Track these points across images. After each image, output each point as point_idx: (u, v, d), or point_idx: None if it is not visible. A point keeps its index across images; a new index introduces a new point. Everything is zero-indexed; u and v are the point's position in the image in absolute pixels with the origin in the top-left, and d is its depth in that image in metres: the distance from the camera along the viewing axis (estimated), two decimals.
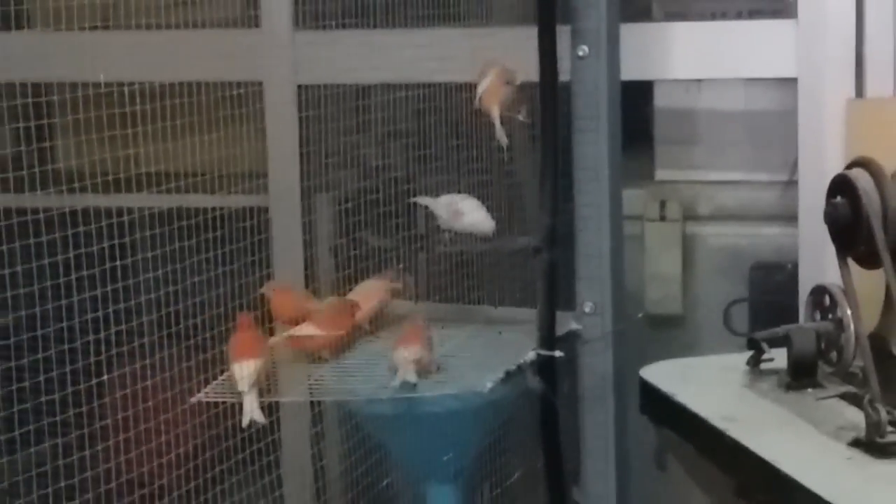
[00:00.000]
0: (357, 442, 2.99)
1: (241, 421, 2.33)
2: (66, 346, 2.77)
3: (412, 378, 2.26)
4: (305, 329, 2.50)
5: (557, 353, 2.38)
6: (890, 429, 1.83)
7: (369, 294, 2.57)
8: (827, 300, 2.06)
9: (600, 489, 2.50)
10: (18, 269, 2.76)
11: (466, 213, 2.52)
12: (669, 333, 2.94)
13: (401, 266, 2.66)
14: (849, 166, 2.02)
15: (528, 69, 2.39)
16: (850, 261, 2.01)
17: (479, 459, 2.60)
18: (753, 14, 2.84)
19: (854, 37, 2.60)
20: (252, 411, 2.31)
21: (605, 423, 2.49)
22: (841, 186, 1.99)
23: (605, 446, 2.49)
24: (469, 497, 2.58)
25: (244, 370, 2.33)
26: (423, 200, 2.62)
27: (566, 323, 2.45)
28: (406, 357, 2.29)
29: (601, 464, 2.49)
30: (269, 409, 2.89)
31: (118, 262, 2.84)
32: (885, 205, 1.95)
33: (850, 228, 1.98)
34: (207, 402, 2.46)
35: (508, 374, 2.33)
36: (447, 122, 2.98)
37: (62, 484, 2.75)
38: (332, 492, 3.07)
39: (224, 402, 2.51)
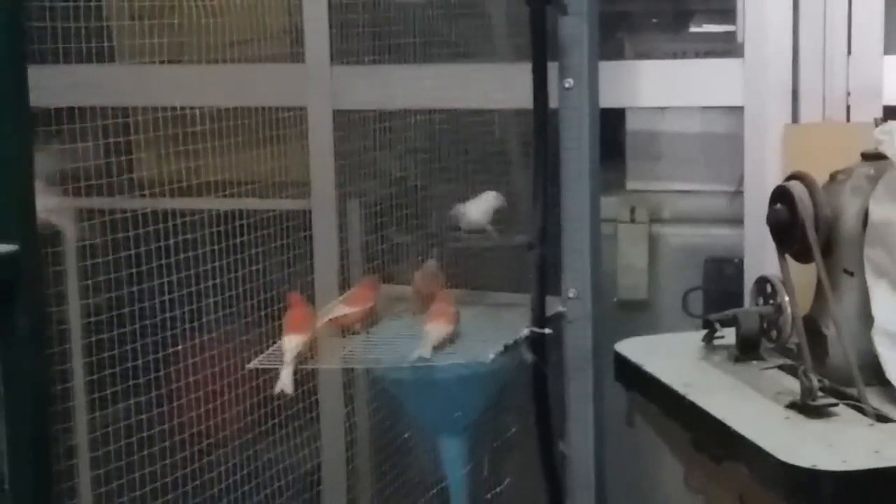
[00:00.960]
0: (382, 402, 2.98)
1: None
2: (144, 323, 2.78)
3: (427, 354, 2.27)
4: (339, 310, 2.50)
5: (547, 331, 2.37)
6: (819, 394, 1.83)
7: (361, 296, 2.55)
8: (768, 288, 2.06)
9: (581, 442, 2.49)
10: (106, 259, 2.77)
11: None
12: (637, 315, 2.93)
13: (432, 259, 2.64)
14: (787, 179, 2.01)
15: (525, 98, 2.39)
16: (787, 256, 2.01)
17: (483, 417, 2.59)
18: (707, 54, 2.83)
19: (790, 73, 2.59)
20: (284, 382, 2.29)
21: (586, 387, 2.49)
22: (781, 195, 1.99)
23: (586, 407, 2.49)
24: (474, 448, 2.58)
25: (291, 343, 2.33)
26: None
27: (554, 306, 2.44)
28: (431, 334, 2.30)
29: (582, 421, 2.49)
30: (311, 375, 2.91)
31: (188, 254, 2.84)
32: (817, 211, 1.95)
33: (787, 230, 1.97)
34: (259, 369, 2.44)
35: (507, 348, 2.32)
36: (457, 141, 2.98)
37: (143, 434, 2.77)
38: (362, 443, 3.05)
39: (272, 369, 2.51)
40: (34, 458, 1.91)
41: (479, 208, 2.58)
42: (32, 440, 1.90)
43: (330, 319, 2.45)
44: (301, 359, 2.34)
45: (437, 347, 2.30)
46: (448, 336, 2.34)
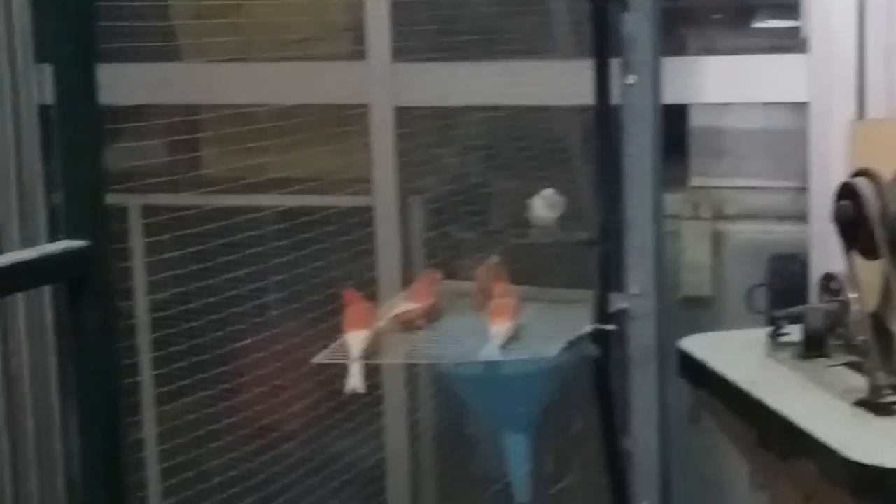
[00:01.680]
0: (445, 398, 2.99)
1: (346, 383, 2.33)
2: (211, 317, 2.81)
3: (496, 355, 2.27)
4: (403, 305, 2.51)
5: (610, 327, 2.38)
6: (887, 391, 1.82)
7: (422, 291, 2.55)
8: (835, 285, 2.04)
9: (645, 438, 2.48)
10: (172, 254, 2.81)
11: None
12: (701, 312, 2.91)
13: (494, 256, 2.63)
14: (853, 175, 1.99)
15: (587, 94, 2.38)
16: (854, 253, 1.98)
17: (547, 413, 2.58)
18: (771, 49, 2.80)
19: (856, 68, 2.57)
20: (355, 379, 2.30)
21: (649, 384, 2.47)
22: (847, 192, 1.97)
23: (649, 403, 2.47)
24: (538, 444, 2.58)
25: (355, 340, 2.34)
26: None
27: (617, 302, 2.43)
28: (497, 332, 2.30)
29: (646, 418, 2.47)
30: (375, 371, 2.92)
31: (253, 250, 2.87)
32: (884, 207, 1.93)
33: (854, 226, 1.95)
34: (324, 364, 2.46)
35: (570, 344, 2.33)
36: (518, 138, 2.98)
37: (210, 428, 2.80)
38: (425, 439, 3.07)
39: (338, 364, 2.52)
40: (105, 449, 1.94)
41: (548, 204, 2.59)
42: (103, 431, 1.93)
43: (395, 315, 2.46)
44: (367, 354, 2.34)
45: (506, 344, 2.31)
46: (512, 332, 2.34)
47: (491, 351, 2.28)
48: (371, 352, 2.36)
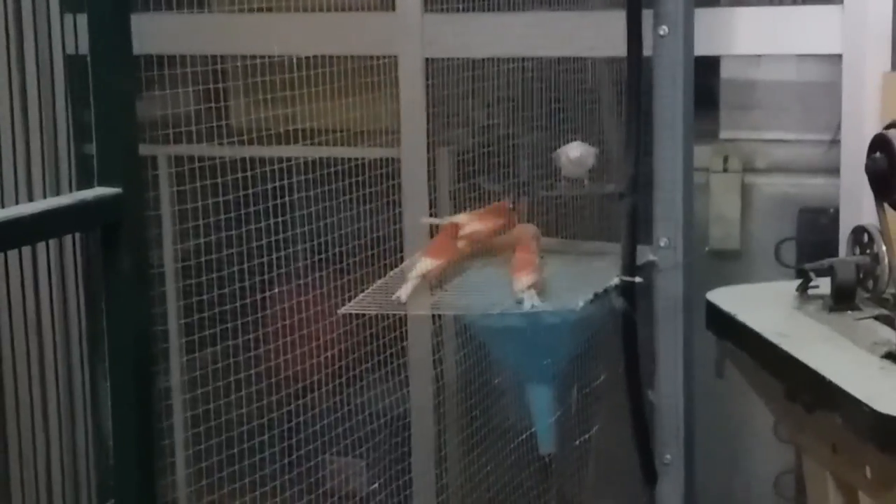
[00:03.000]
0: (471, 349, 2.99)
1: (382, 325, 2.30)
2: (238, 267, 2.84)
3: (537, 302, 2.23)
4: (472, 225, 2.42)
5: (637, 279, 2.36)
6: None
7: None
8: (865, 238, 2.05)
9: (670, 391, 2.49)
10: (199, 204, 2.83)
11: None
12: (729, 265, 2.93)
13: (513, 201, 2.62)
14: (887, 127, 1.99)
15: (618, 46, 2.39)
16: (885, 206, 1.99)
17: (572, 365, 2.60)
18: (806, 1, 2.80)
19: (891, 19, 2.56)
20: (404, 291, 2.25)
21: (675, 337, 2.48)
22: (880, 144, 1.97)
23: (675, 356, 2.48)
24: (563, 395, 2.58)
25: (424, 264, 2.29)
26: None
27: (645, 255, 2.43)
28: (525, 284, 2.25)
29: (671, 370, 2.48)
30: (400, 321, 2.95)
31: (279, 201, 2.89)
32: None
33: (886, 179, 1.96)
34: (352, 314, 2.47)
35: (597, 296, 2.31)
36: (546, 90, 2.98)
37: (232, 378, 2.83)
38: (450, 390, 3.08)
39: (365, 315, 2.53)
40: (136, 396, 1.98)
41: (580, 154, 2.59)
42: (134, 378, 1.97)
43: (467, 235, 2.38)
44: (428, 280, 2.30)
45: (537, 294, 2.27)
46: (540, 284, 2.34)
47: (533, 303, 2.23)
48: (433, 281, 2.32)
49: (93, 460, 3.30)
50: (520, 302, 2.24)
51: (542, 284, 2.32)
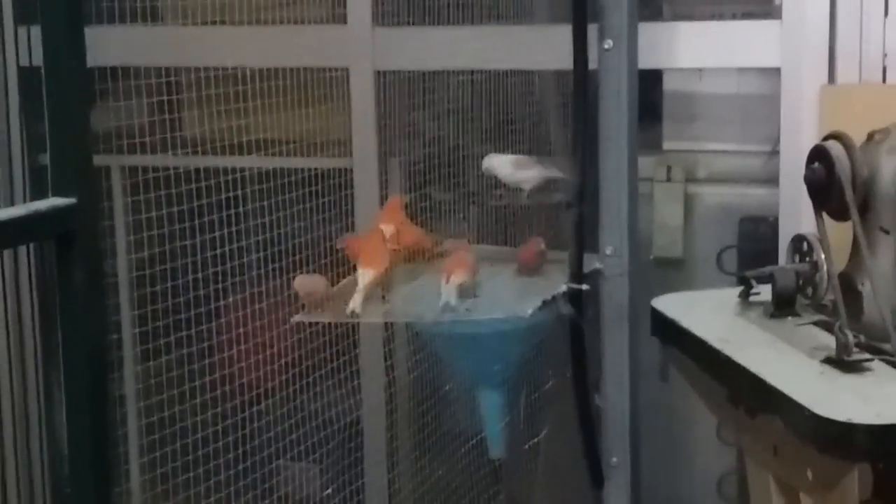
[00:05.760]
0: (423, 356, 2.99)
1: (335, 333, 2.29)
2: (192, 277, 2.81)
3: (453, 301, 2.22)
4: (388, 228, 2.41)
5: (584, 287, 2.38)
6: (854, 350, 1.84)
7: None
8: (805, 246, 2.06)
9: (616, 395, 2.50)
10: (153, 214, 2.80)
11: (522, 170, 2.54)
12: (672, 273, 2.94)
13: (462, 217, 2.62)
14: (825, 139, 2.01)
15: (564, 59, 2.39)
16: (824, 215, 2.01)
17: (521, 370, 2.60)
18: (746, 16, 2.82)
19: (827, 34, 2.58)
20: (355, 302, 2.25)
21: (621, 342, 2.49)
22: (819, 155, 1.99)
23: (621, 361, 2.49)
24: (512, 400, 2.60)
25: (365, 276, 2.28)
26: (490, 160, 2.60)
27: (591, 262, 2.44)
28: (450, 285, 2.24)
29: (617, 375, 2.50)
30: (352, 329, 2.93)
31: (233, 211, 2.87)
32: (854, 170, 1.95)
33: (825, 188, 1.98)
34: (303, 322, 2.46)
35: (545, 303, 2.32)
36: (494, 102, 2.98)
37: (186, 386, 2.80)
38: (402, 395, 3.08)
39: (316, 323, 2.52)
40: (90, 405, 1.95)
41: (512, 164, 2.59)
42: (89, 387, 1.94)
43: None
44: (372, 289, 2.29)
45: (462, 295, 2.26)
46: (468, 283, 2.28)
47: (448, 301, 2.22)
48: (376, 288, 2.31)
49: (47, 469, 3.25)
50: (445, 303, 2.22)
51: (474, 285, 2.30)
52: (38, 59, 1.83)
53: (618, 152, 2.46)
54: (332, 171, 3.02)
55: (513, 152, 2.82)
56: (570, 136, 2.48)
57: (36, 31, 1.84)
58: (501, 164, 2.60)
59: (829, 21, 2.58)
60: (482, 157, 2.68)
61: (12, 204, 3.19)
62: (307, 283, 2.36)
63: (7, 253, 3.14)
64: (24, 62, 3.16)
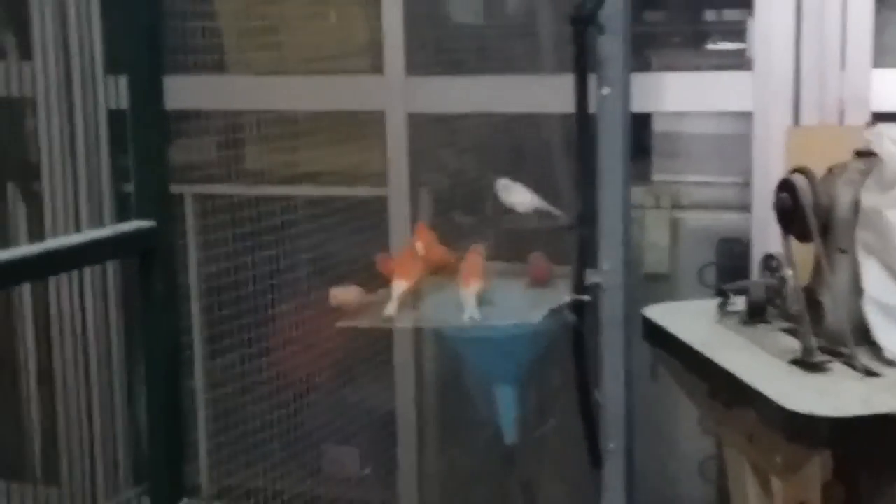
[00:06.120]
0: (447, 354, 2.98)
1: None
2: (252, 288, 2.82)
3: (476, 315, 2.23)
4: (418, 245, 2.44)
5: (586, 298, 2.38)
6: (817, 352, 1.83)
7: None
8: (774, 264, 2.04)
9: (613, 391, 2.49)
10: (219, 235, 2.82)
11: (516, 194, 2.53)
12: (660, 286, 2.91)
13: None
14: (790, 172, 1.99)
15: (568, 104, 2.39)
16: (790, 237, 1.99)
17: (531, 368, 2.59)
18: (722, 68, 2.80)
19: (793, 84, 2.57)
20: (390, 309, 2.26)
21: (617, 346, 2.48)
22: (785, 186, 1.98)
23: (617, 362, 2.49)
24: (523, 394, 2.58)
25: (399, 285, 2.30)
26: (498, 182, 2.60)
27: (591, 277, 2.44)
28: (467, 293, 2.24)
29: (614, 374, 2.49)
30: (388, 332, 2.93)
31: (286, 232, 2.88)
32: (816, 199, 1.94)
33: (791, 215, 1.96)
34: (348, 328, 2.46)
35: (552, 311, 2.33)
36: (508, 140, 2.97)
37: (247, 381, 2.80)
38: (428, 388, 3.07)
39: (359, 327, 2.51)
40: (167, 396, 1.96)
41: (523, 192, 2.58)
42: (166, 381, 1.95)
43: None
44: (405, 298, 2.30)
45: (480, 302, 2.26)
46: (482, 289, 2.28)
47: (472, 315, 2.23)
48: (408, 297, 2.32)
49: (129, 450, 3.26)
50: (470, 317, 2.21)
51: (488, 289, 2.29)
52: (123, 104, 1.86)
53: (614, 183, 2.45)
54: (371, 198, 3.03)
55: (523, 184, 2.82)
56: (573, 169, 2.48)
57: (122, 79, 1.85)
58: (504, 187, 2.58)
59: (794, 72, 2.57)
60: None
61: (102, 226, 3.21)
62: (340, 294, 2.38)
63: (98, 267, 3.16)
64: (112, 106, 3.18)
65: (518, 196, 2.57)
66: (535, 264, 2.49)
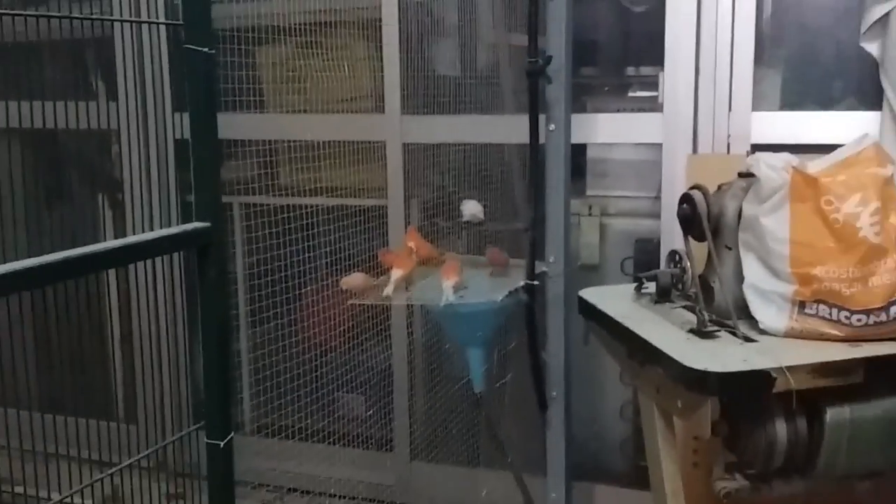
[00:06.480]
0: (431, 325, 2.99)
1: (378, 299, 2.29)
2: (283, 274, 2.80)
3: (451, 298, 2.25)
4: (411, 244, 2.46)
5: (536, 282, 2.38)
6: (709, 324, 1.84)
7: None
8: (677, 258, 2.06)
9: (556, 352, 2.50)
10: (259, 233, 2.79)
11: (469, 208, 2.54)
12: (592, 274, 2.93)
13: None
14: (690, 189, 2.01)
15: (524, 136, 2.39)
16: (689, 238, 2.01)
17: (495, 335, 2.60)
18: (639, 110, 2.81)
19: (692, 122, 2.59)
20: (388, 290, 2.28)
21: (559, 319, 2.49)
22: (686, 199, 1.99)
23: (559, 330, 2.49)
24: (489, 354, 2.60)
25: (396, 273, 2.32)
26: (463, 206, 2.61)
27: (540, 267, 2.44)
28: (447, 284, 2.27)
29: (557, 339, 2.49)
30: (386, 308, 2.92)
31: (310, 232, 2.86)
32: (709, 209, 1.95)
33: (690, 220, 1.97)
34: (355, 304, 2.45)
35: (510, 293, 2.34)
36: (477, 164, 2.97)
37: (280, 344, 2.78)
38: (417, 349, 3.07)
39: (365, 304, 2.51)
40: (220, 359, 1.95)
41: (475, 207, 2.60)
42: (219, 347, 1.94)
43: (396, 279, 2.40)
44: (400, 283, 2.32)
45: (458, 290, 2.29)
46: (458, 282, 2.31)
47: (448, 299, 2.26)
48: (403, 282, 2.33)
49: (190, 396, 3.25)
50: (447, 300, 2.24)
51: (463, 282, 2.30)
52: (187, 134, 1.84)
53: (557, 196, 2.46)
54: (374, 207, 3.02)
55: (488, 198, 2.83)
56: (527, 185, 2.47)
57: (186, 115, 1.84)
58: (462, 202, 2.62)
59: (693, 114, 2.59)
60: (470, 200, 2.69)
61: (170, 227, 3.18)
62: (348, 279, 2.39)
63: (166, 258, 3.15)
64: (178, 136, 3.16)
65: (467, 209, 2.59)
66: (491, 253, 2.51)
